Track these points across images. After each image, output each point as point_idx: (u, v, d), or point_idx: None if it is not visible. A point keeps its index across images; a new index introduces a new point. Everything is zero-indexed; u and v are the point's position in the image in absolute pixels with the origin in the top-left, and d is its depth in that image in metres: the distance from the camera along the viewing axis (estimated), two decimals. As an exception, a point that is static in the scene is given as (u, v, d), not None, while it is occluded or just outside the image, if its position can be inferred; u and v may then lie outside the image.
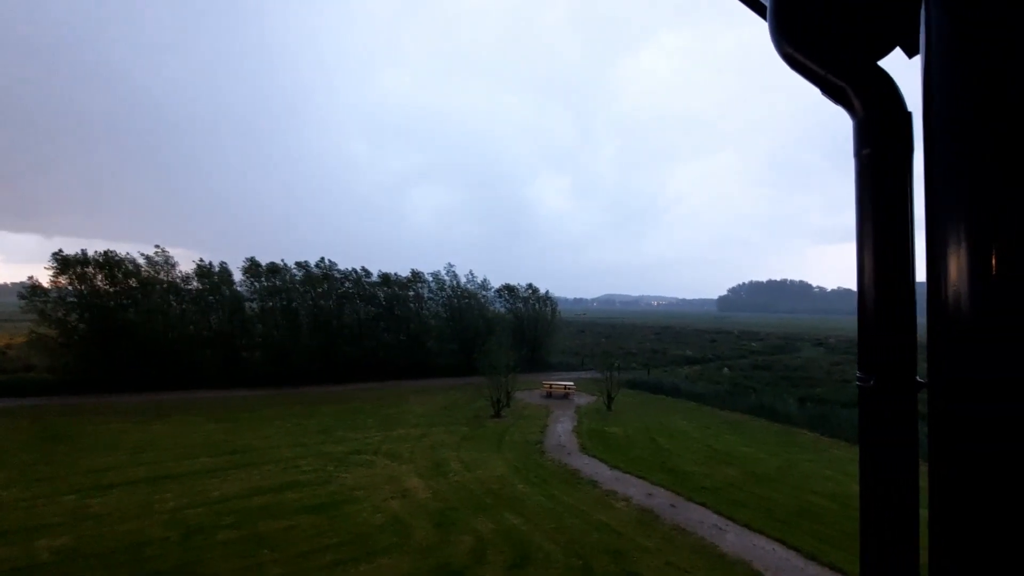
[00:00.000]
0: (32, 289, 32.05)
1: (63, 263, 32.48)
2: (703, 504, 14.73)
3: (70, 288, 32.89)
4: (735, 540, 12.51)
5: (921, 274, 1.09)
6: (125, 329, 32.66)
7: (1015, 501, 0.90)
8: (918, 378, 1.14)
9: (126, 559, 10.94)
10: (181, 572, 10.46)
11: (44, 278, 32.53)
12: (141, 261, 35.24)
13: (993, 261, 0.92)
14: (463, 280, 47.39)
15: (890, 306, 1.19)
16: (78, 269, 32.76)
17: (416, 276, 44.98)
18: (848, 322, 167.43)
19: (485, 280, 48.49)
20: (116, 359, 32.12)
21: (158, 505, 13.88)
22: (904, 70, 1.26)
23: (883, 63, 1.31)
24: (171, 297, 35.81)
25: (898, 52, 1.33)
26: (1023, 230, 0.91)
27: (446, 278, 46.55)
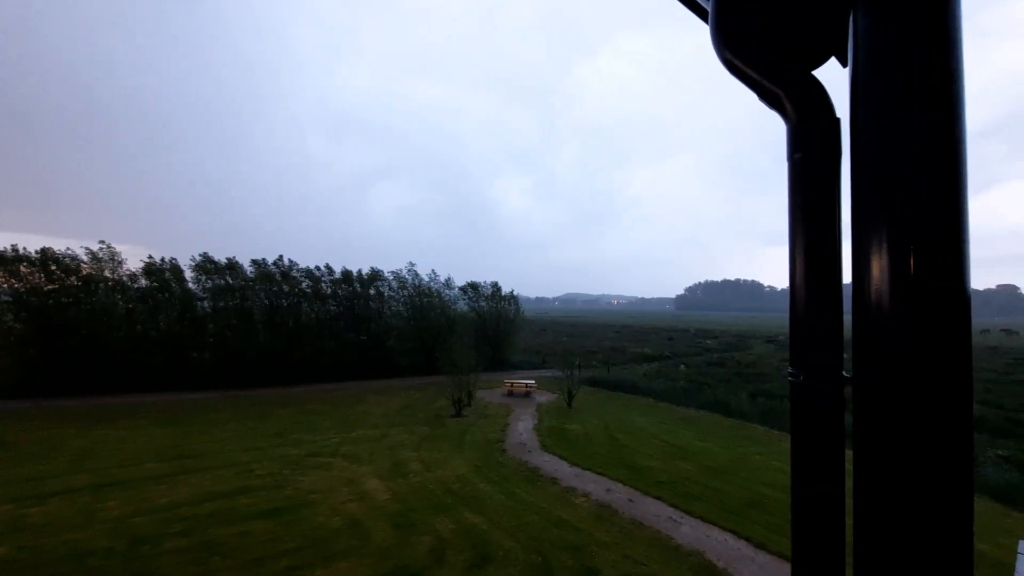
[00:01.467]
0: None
1: None
2: (659, 498, 15.09)
3: (4, 287, 30.79)
4: (689, 532, 12.87)
5: (848, 274, 1.15)
6: (66, 329, 30.84)
7: (929, 483, 0.97)
8: (844, 373, 1.21)
9: (68, 570, 10.34)
10: (125, 584, 9.97)
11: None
12: (84, 258, 33.32)
13: (911, 262, 0.99)
14: (426, 279, 46.96)
15: (819, 305, 1.26)
16: (12, 266, 30.68)
17: (377, 274, 44.25)
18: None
19: (449, 279, 48.20)
20: (57, 361, 30.31)
21: (102, 514, 13.18)
22: (838, 79, 1.33)
23: (820, 71, 1.38)
24: (117, 296, 33.98)
25: (833, 61, 1.40)
26: (939, 233, 0.98)
27: (408, 276, 46.01)
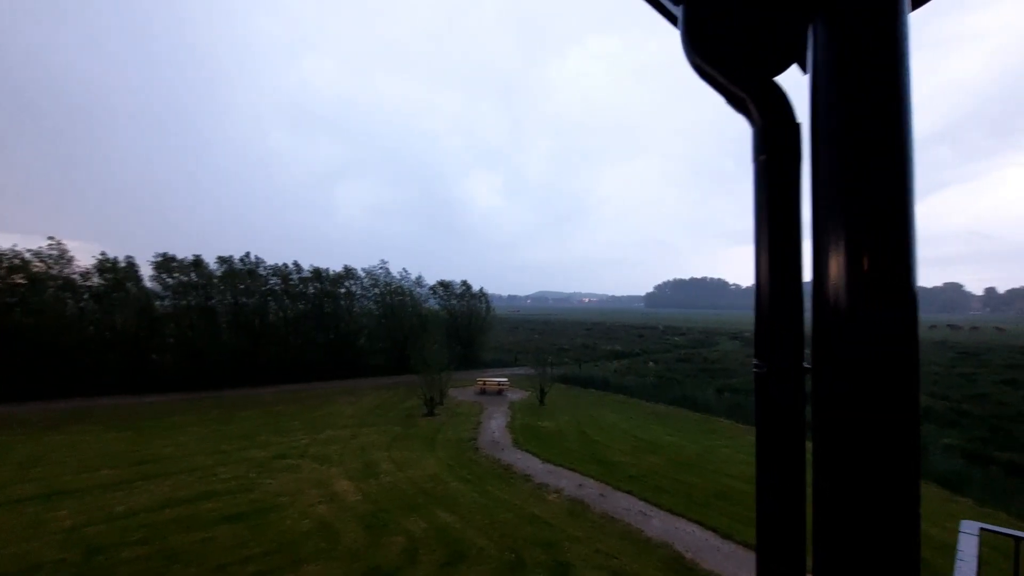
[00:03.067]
0: None
1: None
2: (630, 492, 15.35)
3: None
4: (659, 524, 13.14)
5: (808, 270, 1.20)
6: (11, 331, 29.26)
7: (879, 472, 1.02)
8: (804, 364, 1.27)
9: (13, 586, 9.85)
10: (80, 595, 9.56)
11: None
12: (28, 255, 31.67)
13: (865, 260, 1.04)
14: (397, 277, 46.44)
15: (781, 300, 1.32)
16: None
17: (348, 272, 43.52)
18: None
19: (420, 277, 47.80)
20: (1, 364, 28.71)
21: (52, 524, 12.59)
22: (799, 85, 1.38)
23: (781, 78, 1.44)
24: (66, 295, 32.43)
25: (795, 68, 1.46)
26: (891, 232, 1.04)
27: (379, 274, 45.43)
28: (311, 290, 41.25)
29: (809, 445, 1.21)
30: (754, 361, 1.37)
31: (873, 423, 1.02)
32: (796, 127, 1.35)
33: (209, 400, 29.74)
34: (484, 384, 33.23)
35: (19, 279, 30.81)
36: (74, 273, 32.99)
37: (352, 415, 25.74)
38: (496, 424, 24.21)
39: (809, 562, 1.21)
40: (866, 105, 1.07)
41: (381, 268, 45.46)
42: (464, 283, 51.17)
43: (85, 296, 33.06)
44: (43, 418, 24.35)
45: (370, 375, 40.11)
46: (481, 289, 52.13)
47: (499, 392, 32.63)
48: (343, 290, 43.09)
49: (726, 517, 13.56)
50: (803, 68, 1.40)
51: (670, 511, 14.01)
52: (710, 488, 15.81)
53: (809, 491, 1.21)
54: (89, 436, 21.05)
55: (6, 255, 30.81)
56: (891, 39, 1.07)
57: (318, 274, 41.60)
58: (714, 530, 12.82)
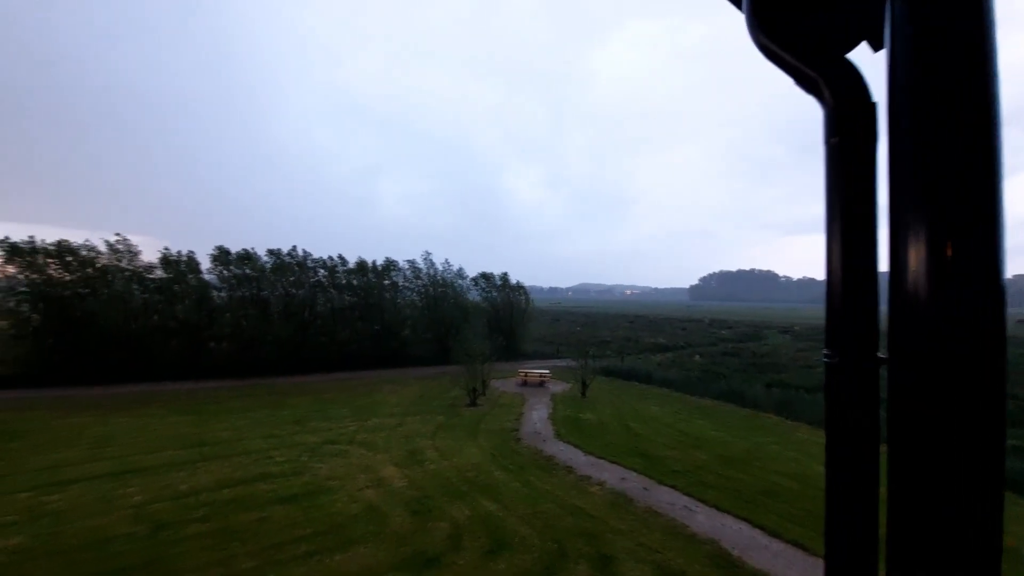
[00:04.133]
0: (-25, 279, 30.48)
1: (11, 251, 30.99)
2: (674, 487, 15.13)
3: (21, 277, 31.39)
4: (704, 520, 12.90)
5: (884, 257, 1.15)
6: (84, 320, 31.32)
7: (960, 473, 0.96)
8: (879, 354, 1.21)
9: (90, 556, 10.62)
10: (150, 568, 10.23)
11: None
12: (102, 249, 33.85)
13: (948, 249, 0.97)
14: (439, 268, 47.13)
15: (855, 288, 1.26)
16: (28, 257, 31.29)
17: (391, 264, 44.44)
18: (813, 311, 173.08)
19: (461, 269, 48.28)
20: (75, 351, 30.91)
21: (122, 500, 13.51)
22: (870, 63, 1.31)
23: (851, 56, 1.36)
24: (134, 286, 34.52)
25: (864, 46, 1.38)
26: (975, 219, 0.97)
27: (422, 266, 46.19)
28: (356, 282, 42.36)
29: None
30: (824, 351, 1.32)
31: (955, 424, 0.97)
32: (871, 107, 1.28)
33: (262, 387, 31.15)
34: (526, 375, 33.36)
35: (91, 271, 32.99)
36: (140, 266, 35.06)
37: (397, 404, 26.40)
38: (538, 415, 24.30)
39: (882, 572, 1.16)
40: (950, 82, 1.00)
41: (424, 260, 46.22)
42: (504, 275, 51.40)
43: (150, 287, 35.09)
44: (113, 401, 26.11)
45: (413, 365, 40.96)
46: (519, 282, 52.24)
47: (541, 384, 32.70)
48: (387, 282, 44.03)
49: (774, 515, 13.19)
50: (873, 45, 1.33)
51: (716, 507, 13.73)
52: (758, 485, 15.39)
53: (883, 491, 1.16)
54: (155, 419, 22.46)
55: (80, 249, 33.02)
56: (977, 12, 0.99)
57: (363, 267, 42.64)
58: (762, 528, 12.49)
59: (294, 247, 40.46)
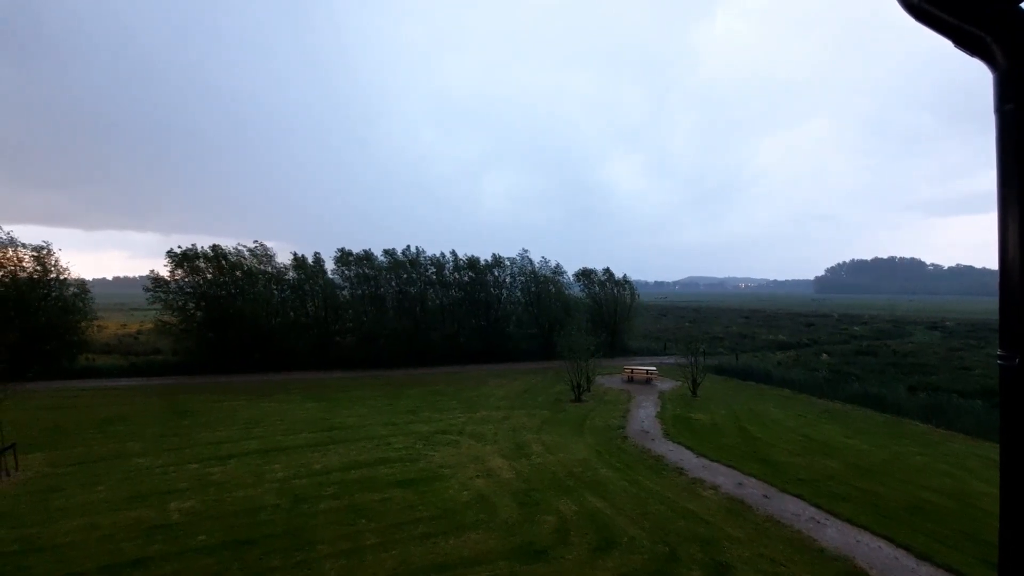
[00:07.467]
0: (155, 281, 36.07)
1: (180, 257, 36.24)
2: (799, 496, 13.90)
3: (187, 280, 36.66)
4: (835, 535, 11.70)
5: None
6: (235, 316, 35.87)
7: None
8: None
9: (244, 522, 12.13)
10: (291, 536, 11.44)
11: (164, 271, 36.47)
12: (246, 253, 38.49)
13: None
14: (538, 265, 47.39)
15: None
16: (193, 263, 36.40)
17: (497, 261, 45.55)
18: (970, 304, 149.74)
19: (558, 265, 48.06)
20: (227, 343, 35.56)
21: (269, 475, 15.25)
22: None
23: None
24: (273, 287, 38.87)
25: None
26: None
27: (524, 263, 46.73)
28: (464, 278, 43.96)
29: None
30: (999, 352, 1.10)
31: None
32: None
33: (381, 378, 33.54)
34: (631, 372, 32.55)
35: (238, 274, 37.65)
36: (276, 268, 39.33)
37: (503, 397, 27.05)
38: (645, 413, 23.58)
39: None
40: None
41: (525, 257, 46.72)
42: (606, 271, 50.40)
43: (285, 287, 39.30)
44: (258, 388, 29.61)
45: (518, 360, 41.76)
46: (624, 276, 50.90)
47: (647, 381, 31.71)
48: (492, 278, 45.19)
49: (922, 535, 11.63)
50: None
51: (849, 521, 12.40)
52: (901, 500, 13.67)
53: None
54: (293, 404, 25.10)
55: (231, 254, 37.80)
56: None
57: (472, 263, 44.14)
58: (907, 548, 11.06)
59: (408, 246, 43.03)
